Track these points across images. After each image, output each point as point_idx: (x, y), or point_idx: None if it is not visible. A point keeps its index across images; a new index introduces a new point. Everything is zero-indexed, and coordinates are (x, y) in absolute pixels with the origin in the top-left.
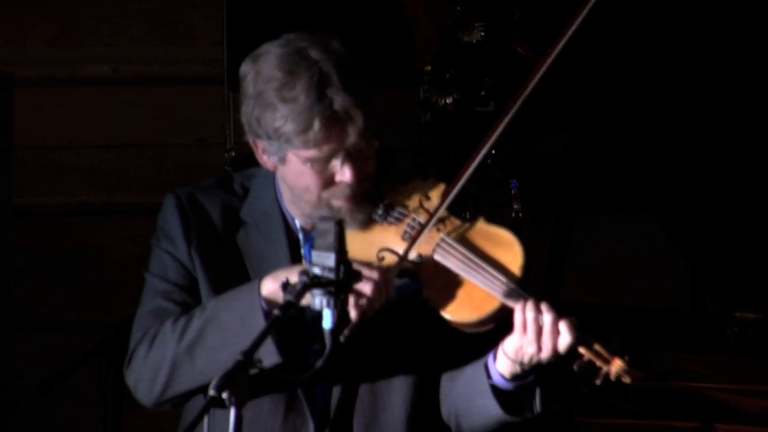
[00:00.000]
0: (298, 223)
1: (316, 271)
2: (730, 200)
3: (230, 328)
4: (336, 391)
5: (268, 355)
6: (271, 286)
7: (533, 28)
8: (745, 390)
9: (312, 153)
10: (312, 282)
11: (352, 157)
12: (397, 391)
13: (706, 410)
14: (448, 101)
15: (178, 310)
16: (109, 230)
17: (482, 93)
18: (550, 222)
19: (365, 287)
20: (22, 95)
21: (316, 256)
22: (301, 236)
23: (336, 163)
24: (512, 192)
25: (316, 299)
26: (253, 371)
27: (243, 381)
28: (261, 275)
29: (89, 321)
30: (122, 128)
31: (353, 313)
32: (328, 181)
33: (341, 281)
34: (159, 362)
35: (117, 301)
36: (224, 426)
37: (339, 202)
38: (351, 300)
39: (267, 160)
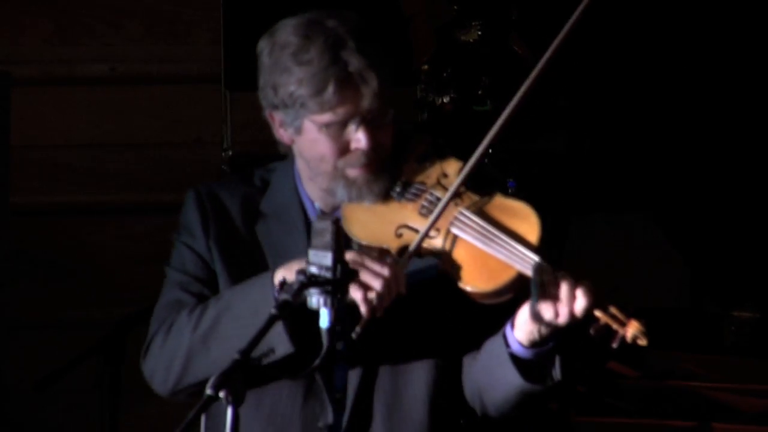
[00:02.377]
0: (317, 206)
1: (313, 270)
2: (727, 200)
3: (243, 317)
4: (355, 375)
5: (281, 345)
6: (283, 277)
7: (530, 27)
8: (742, 389)
9: (327, 117)
10: (309, 281)
11: (367, 123)
12: (417, 371)
13: (703, 409)
14: (445, 100)
15: (195, 302)
16: (106, 229)
17: (479, 92)
18: (546, 221)
19: (375, 283)
20: (19, 94)
21: (313, 255)
22: None
23: (351, 129)
24: (509, 191)
25: (312, 298)
26: (267, 360)
27: (240, 380)
28: (279, 266)
29: (86, 320)
30: (119, 127)
31: (363, 310)
32: (344, 149)
33: (338, 280)
34: (174, 351)
35: (115, 300)
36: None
37: (354, 171)
38: (359, 296)
39: (284, 133)
